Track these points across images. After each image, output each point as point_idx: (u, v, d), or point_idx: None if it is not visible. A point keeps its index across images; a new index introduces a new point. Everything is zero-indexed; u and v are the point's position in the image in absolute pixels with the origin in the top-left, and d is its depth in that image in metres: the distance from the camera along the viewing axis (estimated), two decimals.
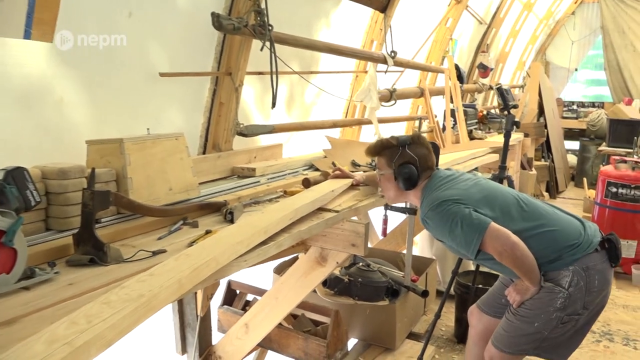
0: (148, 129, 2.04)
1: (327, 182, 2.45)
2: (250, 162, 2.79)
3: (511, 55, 8.39)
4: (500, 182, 3.09)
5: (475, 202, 1.97)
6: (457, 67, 5.31)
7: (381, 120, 4.00)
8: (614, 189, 4.74)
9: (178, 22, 2.37)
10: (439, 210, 1.99)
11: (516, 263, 1.89)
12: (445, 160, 3.62)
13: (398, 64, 4.02)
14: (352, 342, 3.38)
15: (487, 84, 6.73)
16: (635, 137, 5.85)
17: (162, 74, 2.29)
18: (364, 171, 2.87)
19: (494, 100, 8.14)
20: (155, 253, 1.57)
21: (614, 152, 6.28)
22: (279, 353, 2.91)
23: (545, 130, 7.54)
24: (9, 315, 1.17)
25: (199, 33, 2.47)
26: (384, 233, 3.21)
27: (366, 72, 3.87)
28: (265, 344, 2.88)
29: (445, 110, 4.86)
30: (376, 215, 3.78)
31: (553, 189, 7.97)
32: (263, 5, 2.46)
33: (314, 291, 3.23)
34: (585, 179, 7.28)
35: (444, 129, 4.71)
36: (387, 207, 2.88)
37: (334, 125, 3.72)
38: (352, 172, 2.65)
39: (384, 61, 3.81)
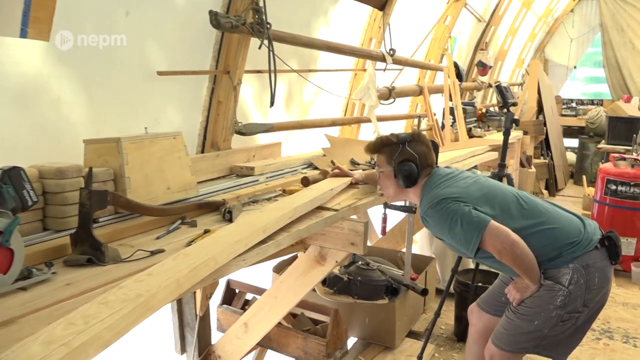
0: (146, 128, 2.03)
1: (326, 181, 2.45)
2: (249, 160, 2.78)
3: (510, 53, 8.39)
4: (500, 180, 3.08)
5: (474, 200, 1.96)
6: (456, 65, 5.30)
7: (380, 119, 3.99)
8: (614, 187, 4.74)
9: (176, 20, 2.36)
10: (438, 208, 1.98)
11: (516, 261, 1.88)
12: (445, 158, 3.61)
13: (397, 62, 4.02)
14: (351, 341, 3.37)
15: (486, 82, 6.73)
16: (635, 135, 5.85)
17: (160, 73, 2.28)
18: (363, 170, 2.86)
19: (493, 98, 8.13)
20: (153, 253, 1.56)
21: (613, 150, 6.28)
22: (278, 352, 2.91)
23: (545, 128, 7.53)
24: (6, 316, 1.16)
25: (196, 31, 2.46)
26: (383, 231, 3.21)
27: (365, 70, 3.87)
28: (265, 343, 2.88)
29: (444, 108, 4.85)
30: (375, 213, 3.77)
31: (552, 187, 7.97)
32: (261, 4, 2.45)
33: (314, 290, 3.22)
34: (584, 177, 7.28)
35: (443, 127, 4.71)
36: (387, 205, 2.87)
37: (333, 123, 3.71)
38: (351, 170, 2.64)
39: (383, 59, 3.81)
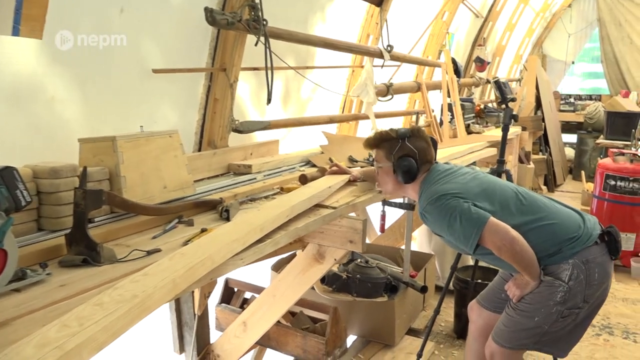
0: (141, 126, 2.01)
1: (324, 179, 2.43)
2: (246, 158, 2.76)
3: (508, 49, 8.38)
4: (499, 176, 3.07)
5: (474, 196, 1.95)
6: (454, 61, 5.28)
7: (378, 115, 3.97)
8: (613, 182, 4.73)
9: (171, 17, 2.34)
10: (437, 204, 1.97)
11: (515, 258, 1.87)
12: (443, 154, 3.60)
13: (394, 58, 4.00)
14: (351, 339, 3.36)
15: (484, 78, 6.71)
16: (633, 130, 5.85)
17: (155, 71, 2.26)
18: (362, 167, 2.85)
19: (491, 94, 8.12)
20: (149, 252, 1.54)
21: (612, 145, 6.27)
22: (277, 351, 2.90)
23: (543, 123, 7.52)
24: (0, 318, 1.14)
25: (192, 28, 2.44)
26: (382, 229, 3.19)
27: (362, 66, 3.85)
28: (264, 342, 2.87)
29: (442, 105, 4.83)
30: (374, 211, 3.76)
31: (551, 183, 7.96)
32: (257, 0, 2.42)
33: (312, 288, 3.21)
34: (583, 172, 7.27)
35: (441, 123, 4.69)
36: (385, 202, 2.86)
37: (331, 120, 3.69)
38: (349, 167, 2.63)
39: (381, 55, 3.79)
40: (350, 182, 2.47)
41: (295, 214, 1.91)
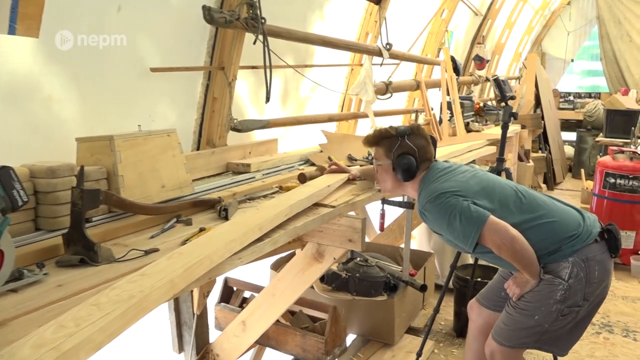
0: (139, 125, 2.00)
1: (323, 177, 2.42)
2: (245, 157, 2.75)
3: (507, 47, 8.36)
4: (499, 174, 3.06)
5: (473, 193, 1.95)
6: (453, 59, 5.27)
7: (377, 114, 3.96)
8: (612, 180, 4.72)
9: (168, 15, 2.33)
10: (437, 202, 1.96)
11: (515, 256, 1.87)
12: (443, 153, 3.59)
13: (393, 56, 3.99)
14: (350, 338, 3.36)
15: (483, 76, 6.70)
16: (632, 127, 5.84)
17: (153, 69, 2.25)
18: (361, 165, 2.84)
19: (490, 92, 8.11)
20: (147, 252, 1.54)
21: (611, 143, 6.26)
22: (277, 350, 2.89)
23: (542, 121, 7.51)
24: None
25: (190, 27, 2.43)
26: (382, 227, 3.19)
27: (361, 65, 3.84)
28: (263, 341, 2.86)
29: (441, 103, 4.82)
30: (374, 209, 3.75)
31: (550, 181, 7.95)
32: None
33: (312, 287, 3.21)
34: (582, 170, 7.26)
35: (440, 121, 4.68)
36: (385, 201, 2.85)
37: (330, 119, 3.68)
38: (349, 166, 2.62)
39: (379, 54, 3.77)
40: (349, 181, 2.46)
41: (294, 213, 1.90)
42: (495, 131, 5.03)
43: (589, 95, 9.96)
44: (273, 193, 2.31)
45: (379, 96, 3.90)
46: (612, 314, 3.81)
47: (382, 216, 3.00)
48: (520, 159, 6.32)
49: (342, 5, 3.63)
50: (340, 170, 2.50)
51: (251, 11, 2.42)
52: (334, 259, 2.23)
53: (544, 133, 7.86)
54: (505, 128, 3.29)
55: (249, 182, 2.45)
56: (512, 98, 3.67)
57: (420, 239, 4.51)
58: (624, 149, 5.11)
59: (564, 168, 8.82)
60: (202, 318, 2.77)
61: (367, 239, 4.17)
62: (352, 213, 2.29)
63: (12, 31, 1.56)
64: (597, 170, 4.96)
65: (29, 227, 1.60)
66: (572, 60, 10.39)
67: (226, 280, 3.16)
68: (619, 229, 2.01)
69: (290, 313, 3.00)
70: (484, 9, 6.80)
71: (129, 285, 1.20)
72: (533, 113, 7.52)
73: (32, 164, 1.62)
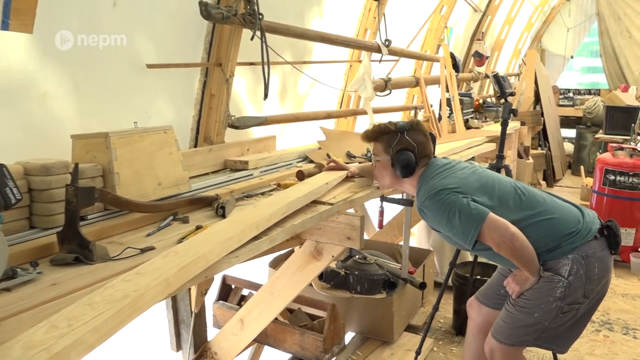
0: (135, 122, 1.98)
1: (321, 175, 2.40)
2: (243, 154, 2.73)
3: (507, 43, 8.35)
4: (498, 171, 3.04)
5: (473, 190, 1.93)
6: (452, 56, 5.24)
7: (376, 111, 3.94)
8: (612, 177, 4.70)
9: (165, 11, 2.31)
10: (436, 199, 1.94)
11: (515, 254, 1.85)
12: (442, 150, 3.57)
13: (392, 53, 3.97)
14: (349, 336, 3.35)
15: (482, 73, 6.68)
16: (632, 124, 5.82)
17: (149, 66, 2.23)
18: (360, 162, 2.82)
19: (490, 89, 8.09)
20: (143, 250, 1.52)
21: (611, 140, 6.24)
22: (275, 348, 2.88)
23: (542, 118, 7.50)
24: None
25: (187, 23, 2.41)
26: (381, 225, 3.16)
27: (360, 61, 3.82)
28: (262, 340, 2.85)
29: (441, 100, 4.81)
30: (372, 207, 3.73)
31: (550, 178, 7.94)
32: None
33: (310, 285, 3.19)
34: (582, 167, 7.25)
35: (439, 118, 4.67)
36: (384, 198, 2.83)
37: (328, 116, 3.67)
38: (347, 163, 2.60)
39: (378, 50, 3.76)
40: (348, 178, 2.44)
41: (291, 211, 1.89)
42: (494, 128, 5.01)
43: (589, 91, 9.93)
44: (271, 190, 2.29)
45: (377, 93, 3.88)
46: (612, 311, 3.80)
47: (381, 213, 2.97)
48: (519, 155, 6.31)
49: (341, 1, 3.61)
50: (339, 168, 2.48)
51: (248, 7, 2.40)
52: (333, 256, 2.22)
53: (544, 130, 7.84)
54: (504, 125, 3.27)
55: (247, 180, 2.43)
56: (512, 94, 3.66)
57: (419, 236, 4.50)
58: (624, 145, 5.09)
59: (564, 165, 8.80)
60: (200, 316, 2.76)
61: (365, 237, 4.15)
62: (350, 210, 2.27)
63: (5, 27, 1.54)
64: (596, 167, 4.94)
65: (23, 225, 1.58)
66: (572, 57, 10.37)
67: (224, 278, 3.15)
68: (619, 226, 1.99)
69: (288, 311, 2.99)
70: (483, 5, 6.78)
71: (123, 284, 1.18)
72: (532, 110, 7.50)
73: (26, 161, 1.60)
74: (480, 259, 3.30)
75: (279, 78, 3.21)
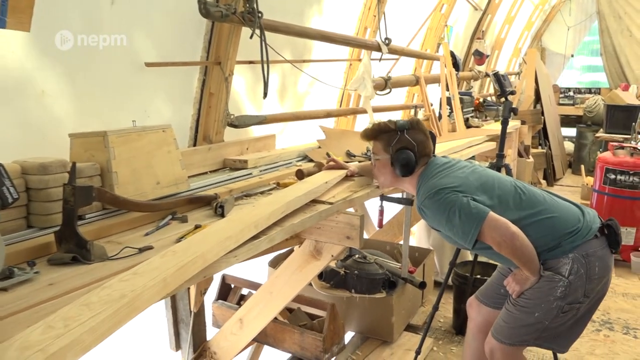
0: (134, 121, 1.97)
1: (321, 174, 2.39)
2: (242, 153, 2.73)
3: (507, 42, 8.33)
4: (499, 170, 3.04)
5: (473, 189, 1.92)
6: (452, 54, 5.23)
7: (376, 109, 3.93)
8: (613, 176, 4.69)
9: (163, 9, 2.30)
10: (436, 198, 1.93)
11: (515, 253, 1.84)
12: (442, 149, 3.56)
13: (392, 51, 3.96)
14: (349, 336, 3.34)
15: (483, 71, 6.67)
16: (633, 123, 5.81)
17: (148, 64, 2.22)
18: (359, 161, 2.81)
19: (490, 88, 8.08)
20: (141, 250, 1.51)
21: (611, 139, 6.23)
22: (275, 348, 2.88)
23: (542, 117, 7.49)
24: None
25: (186, 21, 2.40)
26: (380, 224, 3.15)
27: (360, 60, 3.80)
28: (261, 339, 2.84)
29: (441, 98, 4.79)
30: (372, 206, 3.72)
31: (550, 177, 7.93)
32: None
33: (310, 284, 3.18)
34: (582, 166, 7.24)
35: (440, 117, 4.65)
36: (383, 197, 2.82)
37: (328, 115, 3.66)
38: (347, 162, 2.59)
39: (378, 49, 3.74)
40: (347, 177, 2.44)
41: (291, 210, 1.88)
42: (494, 127, 5.00)
43: (589, 90, 9.92)
44: (270, 190, 2.28)
45: (377, 92, 3.87)
46: (613, 311, 3.79)
47: (381, 213, 2.96)
48: (520, 154, 6.30)
49: None
50: (339, 167, 2.47)
51: (248, 5, 2.38)
52: (332, 256, 2.21)
53: (544, 129, 7.83)
54: (505, 124, 3.26)
55: (246, 179, 2.42)
56: (512, 93, 3.64)
57: (419, 235, 4.49)
58: (625, 144, 5.07)
59: (564, 164, 8.79)
60: (199, 315, 2.76)
61: (365, 236, 4.14)
62: (350, 210, 2.26)
63: (2, 25, 1.53)
64: (597, 166, 4.93)
65: (21, 224, 1.57)
66: (572, 56, 10.36)
67: (224, 278, 3.14)
68: (620, 225, 1.98)
69: (288, 310, 2.99)
70: (483, 4, 6.77)
71: (121, 284, 1.17)
72: (533, 109, 7.49)
73: (23, 160, 1.60)
74: (481, 258, 3.29)
75: (278, 77, 3.20)
